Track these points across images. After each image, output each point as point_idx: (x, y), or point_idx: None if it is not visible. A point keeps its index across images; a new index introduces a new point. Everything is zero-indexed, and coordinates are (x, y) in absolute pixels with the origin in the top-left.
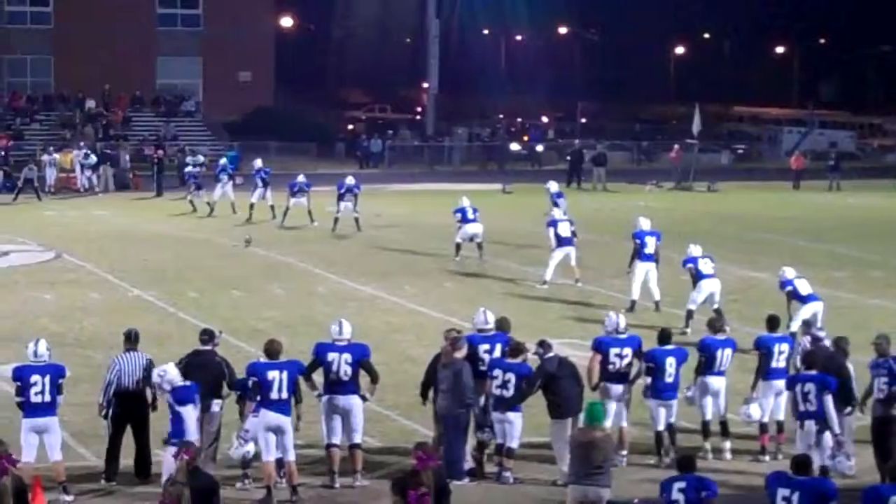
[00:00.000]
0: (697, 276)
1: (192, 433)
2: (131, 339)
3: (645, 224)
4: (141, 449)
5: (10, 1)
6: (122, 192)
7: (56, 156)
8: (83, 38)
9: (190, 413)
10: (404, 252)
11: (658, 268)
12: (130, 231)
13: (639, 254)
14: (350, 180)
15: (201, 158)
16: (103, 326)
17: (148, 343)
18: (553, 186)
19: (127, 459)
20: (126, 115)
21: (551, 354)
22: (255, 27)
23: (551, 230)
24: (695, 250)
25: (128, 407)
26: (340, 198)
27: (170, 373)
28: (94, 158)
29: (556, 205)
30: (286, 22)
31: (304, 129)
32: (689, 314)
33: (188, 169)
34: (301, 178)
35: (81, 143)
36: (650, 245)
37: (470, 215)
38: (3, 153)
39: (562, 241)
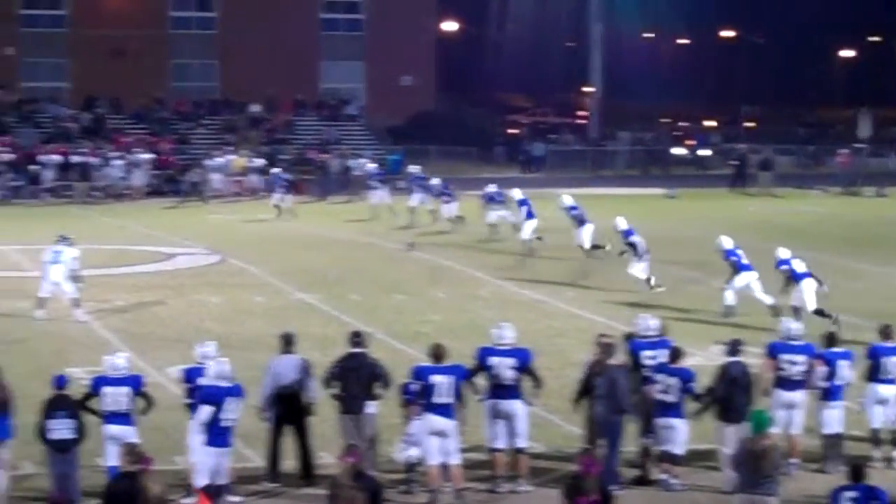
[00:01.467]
0: (794, 277)
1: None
2: (288, 342)
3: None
4: (303, 450)
5: (175, 7)
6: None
7: (221, 160)
8: (248, 44)
9: (205, 414)
10: (566, 257)
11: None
12: (294, 234)
13: (739, 265)
14: (492, 188)
15: (363, 161)
16: (266, 329)
17: (311, 346)
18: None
19: (292, 461)
20: (290, 119)
21: (737, 359)
22: (416, 32)
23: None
24: (784, 253)
25: (287, 409)
26: (488, 205)
27: (217, 368)
28: (261, 162)
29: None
30: (448, 26)
31: (464, 133)
32: (797, 311)
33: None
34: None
35: (248, 149)
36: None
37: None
38: (167, 157)
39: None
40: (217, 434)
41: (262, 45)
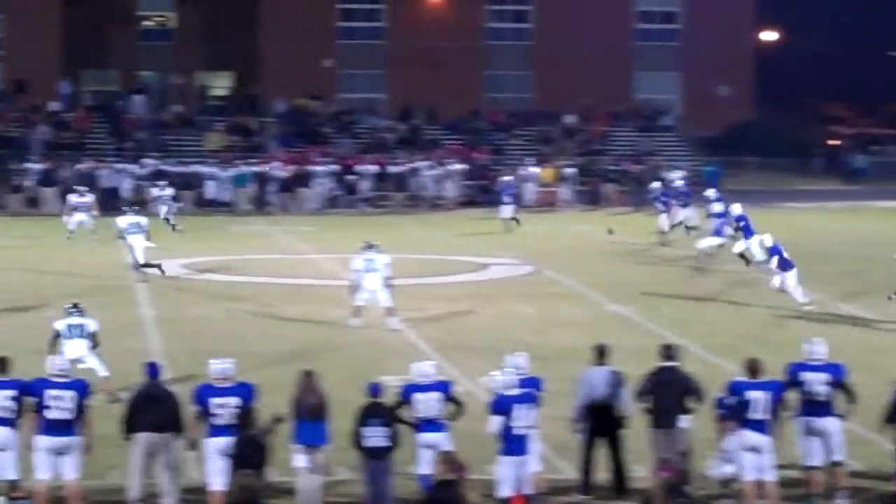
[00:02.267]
0: None
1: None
2: (601, 354)
3: None
4: (616, 463)
5: (491, 18)
6: (597, 207)
7: (534, 170)
8: (562, 54)
9: (497, 424)
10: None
11: None
12: (606, 246)
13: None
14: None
15: (677, 175)
16: (579, 340)
17: (624, 358)
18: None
19: (605, 473)
20: (604, 130)
21: None
22: (733, 41)
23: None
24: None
25: (599, 421)
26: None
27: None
28: (573, 173)
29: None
30: (767, 36)
31: (782, 144)
32: None
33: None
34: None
35: (563, 159)
36: None
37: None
38: (481, 167)
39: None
40: (513, 442)
41: (576, 56)
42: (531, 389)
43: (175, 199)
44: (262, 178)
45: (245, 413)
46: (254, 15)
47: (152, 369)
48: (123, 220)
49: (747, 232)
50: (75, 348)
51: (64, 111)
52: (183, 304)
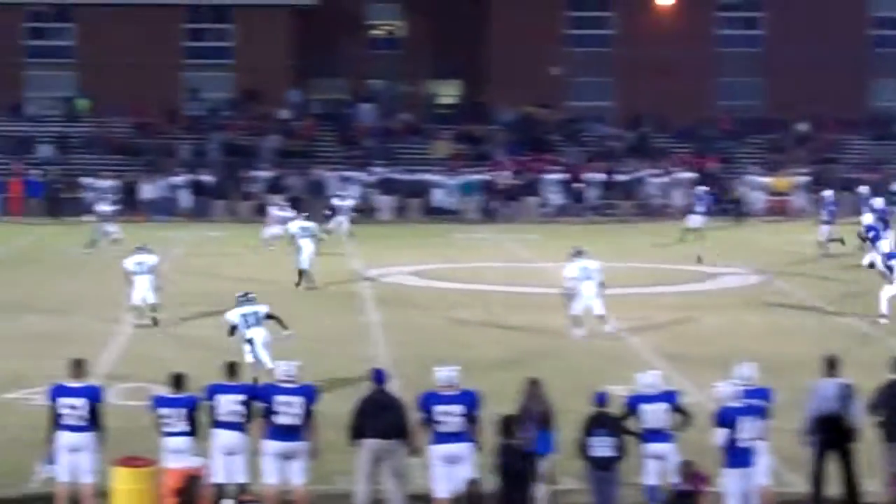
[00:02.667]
0: None
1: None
2: (832, 365)
3: None
4: (848, 477)
5: (722, 25)
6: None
7: (762, 179)
8: (794, 61)
9: (721, 436)
10: None
11: None
12: (840, 256)
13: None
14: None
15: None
16: (809, 351)
17: (856, 371)
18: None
19: (836, 487)
20: (837, 138)
21: None
22: None
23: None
24: None
25: (830, 434)
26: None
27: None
28: (805, 181)
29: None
30: None
31: None
32: None
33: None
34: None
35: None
36: None
37: None
38: (711, 175)
39: None
40: (737, 455)
41: (808, 63)
42: (758, 401)
43: (355, 210)
44: (488, 187)
45: (506, 422)
46: (482, 23)
47: (378, 376)
48: (294, 225)
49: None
50: (258, 335)
51: (293, 119)
52: (409, 311)
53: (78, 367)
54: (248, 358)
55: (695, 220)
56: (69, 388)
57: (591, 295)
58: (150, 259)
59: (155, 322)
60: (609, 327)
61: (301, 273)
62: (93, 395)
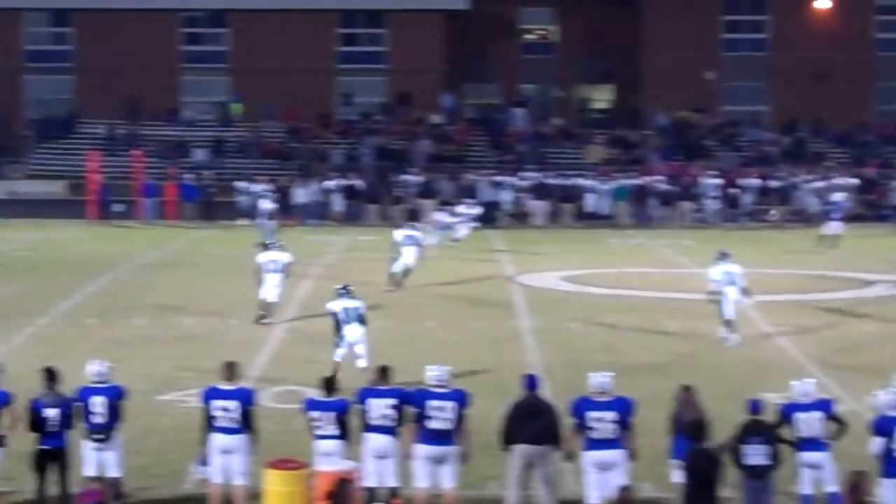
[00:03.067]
0: None
1: None
2: None
3: None
4: None
5: (882, 28)
6: None
7: None
8: None
9: (877, 445)
10: None
11: None
12: None
13: None
14: None
15: None
16: None
17: None
18: None
19: None
20: None
21: None
22: None
23: None
24: None
25: None
26: None
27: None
28: None
29: None
30: None
31: None
32: None
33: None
34: None
35: None
36: None
37: None
38: (870, 181)
39: None
40: (893, 465)
41: None
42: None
43: (477, 218)
44: (642, 191)
45: (697, 426)
46: (636, 27)
47: (531, 381)
48: (399, 234)
49: None
50: (353, 332)
51: (446, 124)
52: (561, 317)
53: (231, 369)
54: (339, 353)
55: (832, 228)
56: (222, 391)
57: (735, 299)
58: (283, 257)
59: (262, 319)
60: (735, 337)
61: (393, 276)
62: (245, 398)
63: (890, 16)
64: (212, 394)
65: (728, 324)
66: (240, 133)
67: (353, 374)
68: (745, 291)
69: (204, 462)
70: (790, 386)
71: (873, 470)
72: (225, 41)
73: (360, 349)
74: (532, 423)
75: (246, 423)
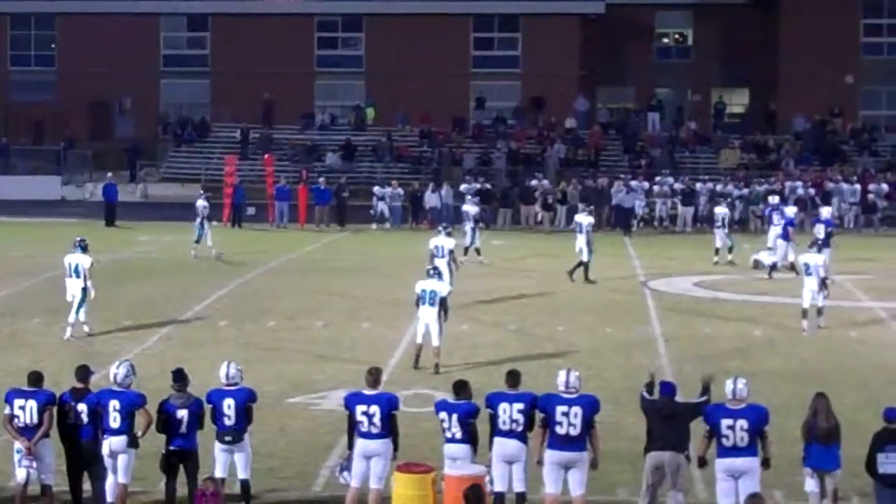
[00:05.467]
0: None
1: None
2: None
3: None
4: None
5: None
6: None
7: None
8: None
9: None
10: None
11: None
12: None
13: None
14: None
15: None
16: None
17: None
18: None
19: None
20: None
21: None
22: None
23: None
24: None
25: None
26: None
27: None
28: None
29: None
30: None
31: None
32: None
33: None
34: None
35: None
36: None
37: None
38: None
39: None
40: None
41: None
42: None
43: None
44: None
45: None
46: (773, 30)
47: (667, 388)
48: (432, 242)
49: None
50: (427, 314)
51: (579, 128)
52: (693, 322)
53: (375, 375)
54: (418, 333)
55: None
56: (366, 396)
57: (813, 288)
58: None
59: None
60: (823, 319)
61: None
62: (389, 403)
63: None
64: (355, 399)
65: (804, 313)
66: (373, 137)
67: (490, 380)
68: (824, 283)
69: (347, 466)
70: None
71: None
72: (359, 45)
73: (434, 329)
74: (667, 429)
75: (388, 429)
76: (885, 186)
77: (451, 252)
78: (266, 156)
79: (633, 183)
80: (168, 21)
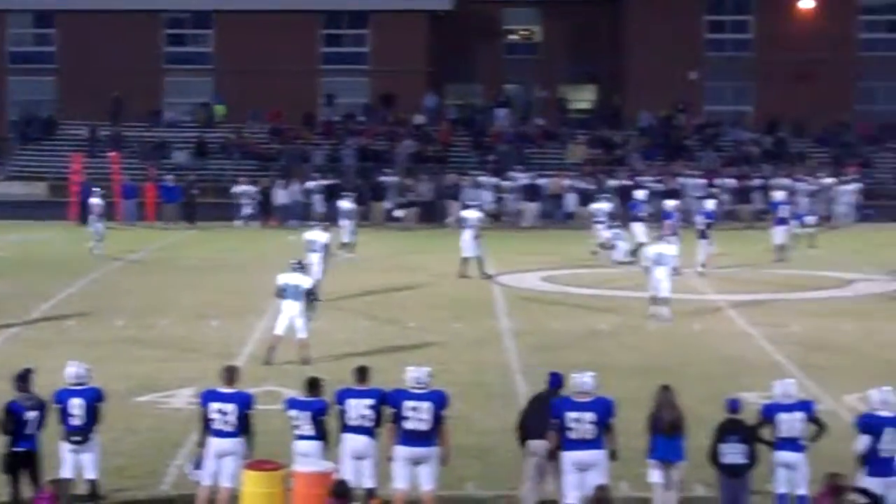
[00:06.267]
0: None
1: None
2: None
3: None
4: None
5: (865, 28)
6: None
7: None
8: None
9: (862, 443)
10: None
11: None
12: None
13: None
14: None
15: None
16: None
17: None
18: None
19: None
20: None
21: None
22: None
23: None
24: None
25: None
26: None
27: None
28: None
29: None
30: None
31: None
32: None
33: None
34: None
35: None
36: None
37: None
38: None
39: None
40: (878, 464)
41: None
42: None
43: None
44: (623, 192)
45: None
46: (619, 27)
47: (555, 380)
48: (308, 235)
49: None
50: (290, 308)
51: (428, 124)
52: (541, 317)
53: (230, 373)
54: (280, 325)
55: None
56: (221, 394)
57: (662, 278)
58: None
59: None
60: (667, 312)
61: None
62: (244, 402)
63: (873, 16)
64: (210, 396)
65: (654, 300)
66: (223, 134)
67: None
68: (676, 271)
69: (198, 465)
70: (769, 385)
71: (851, 469)
72: (208, 42)
73: (298, 323)
74: (546, 420)
75: (242, 427)
76: (729, 181)
77: (325, 246)
78: (112, 153)
79: (482, 179)
80: (15, 18)
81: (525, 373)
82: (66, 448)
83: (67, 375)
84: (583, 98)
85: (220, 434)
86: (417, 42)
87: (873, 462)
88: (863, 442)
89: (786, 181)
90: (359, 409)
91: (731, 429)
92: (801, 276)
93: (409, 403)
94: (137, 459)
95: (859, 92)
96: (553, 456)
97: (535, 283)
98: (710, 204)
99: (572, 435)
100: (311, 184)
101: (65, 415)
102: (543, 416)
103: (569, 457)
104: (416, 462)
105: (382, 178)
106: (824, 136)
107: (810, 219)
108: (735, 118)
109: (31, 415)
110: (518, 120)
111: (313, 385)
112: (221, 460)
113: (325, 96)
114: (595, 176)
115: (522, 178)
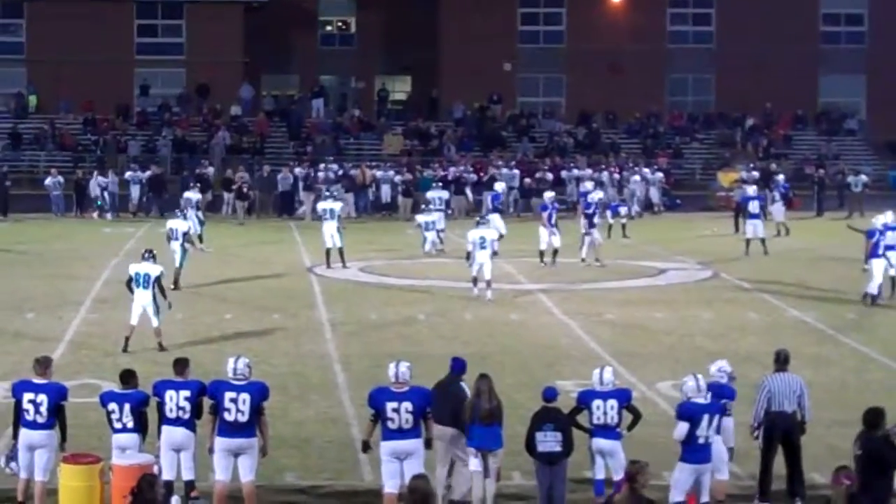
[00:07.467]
0: None
1: None
2: (781, 360)
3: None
4: (793, 470)
5: (673, 21)
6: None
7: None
8: (744, 57)
9: (680, 431)
10: None
11: None
12: (788, 251)
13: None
14: None
15: (864, 178)
16: (760, 346)
17: (804, 365)
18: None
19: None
20: (787, 133)
21: None
22: None
23: None
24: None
25: (779, 428)
26: None
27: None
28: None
29: None
30: None
31: None
32: None
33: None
34: None
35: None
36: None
37: None
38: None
39: None
40: (696, 451)
41: (758, 59)
42: (723, 399)
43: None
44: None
45: (874, 414)
46: (434, 19)
47: (457, 365)
48: (168, 224)
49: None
50: (140, 297)
51: (244, 115)
52: (359, 307)
53: (43, 364)
54: (135, 314)
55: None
56: (34, 385)
57: (485, 261)
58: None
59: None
60: (490, 294)
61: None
62: (57, 393)
63: (681, 8)
64: (22, 387)
65: (475, 281)
66: (36, 125)
67: (157, 368)
68: (496, 254)
69: (14, 457)
70: (587, 374)
71: (669, 456)
72: (20, 31)
73: (150, 310)
74: (447, 406)
75: (55, 419)
76: (549, 175)
77: (185, 234)
78: None
79: (298, 171)
80: None
81: (343, 363)
82: None
83: None
84: (399, 89)
85: (31, 426)
86: (232, 33)
87: (691, 448)
88: (681, 429)
89: (593, 172)
90: (177, 400)
91: (547, 417)
92: (616, 266)
93: (229, 395)
94: None
95: (670, 83)
96: (366, 447)
97: (352, 273)
98: (499, 187)
99: (391, 425)
100: (129, 174)
101: None
102: (446, 403)
103: (386, 446)
104: (236, 453)
105: (200, 171)
106: (635, 127)
107: (622, 209)
108: (549, 109)
109: None
110: (334, 111)
111: (129, 376)
112: (34, 453)
113: (139, 87)
114: (411, 167)
115: (335, 170)
